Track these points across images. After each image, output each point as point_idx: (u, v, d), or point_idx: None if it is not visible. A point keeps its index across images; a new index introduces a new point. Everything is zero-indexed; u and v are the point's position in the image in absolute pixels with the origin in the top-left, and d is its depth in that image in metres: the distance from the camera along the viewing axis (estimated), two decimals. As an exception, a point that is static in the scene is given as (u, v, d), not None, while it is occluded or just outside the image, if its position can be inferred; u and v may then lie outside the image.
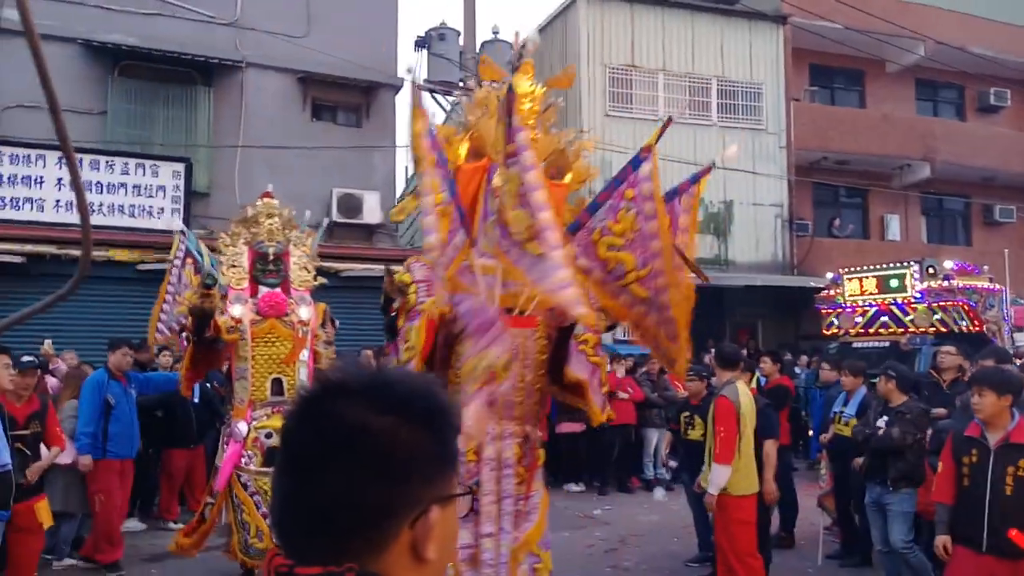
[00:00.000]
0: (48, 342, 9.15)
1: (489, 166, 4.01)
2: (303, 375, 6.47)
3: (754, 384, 8.91)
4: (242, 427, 6.20)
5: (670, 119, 4.30)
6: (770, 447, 6.50)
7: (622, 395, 11.25)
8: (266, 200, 6.88)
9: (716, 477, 5.94)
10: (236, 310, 6.37)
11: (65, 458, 6.84)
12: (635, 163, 3.98)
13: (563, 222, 3.94)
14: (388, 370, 1.16)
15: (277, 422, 6.15)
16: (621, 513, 9.98)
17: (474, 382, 3.67)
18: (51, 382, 8.45)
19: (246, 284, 6.56)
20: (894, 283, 11.09)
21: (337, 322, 7.38)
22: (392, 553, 1.04)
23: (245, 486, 6.14)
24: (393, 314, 4.59)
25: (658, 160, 4.05)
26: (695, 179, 4.33)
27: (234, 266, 6.62)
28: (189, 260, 6.95)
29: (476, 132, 4.39)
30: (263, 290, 6.54)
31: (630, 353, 12.60)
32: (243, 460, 6.16)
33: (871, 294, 11.38)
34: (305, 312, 6.63)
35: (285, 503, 1.08)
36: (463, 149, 4.40)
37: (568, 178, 4.50)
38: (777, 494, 6.50)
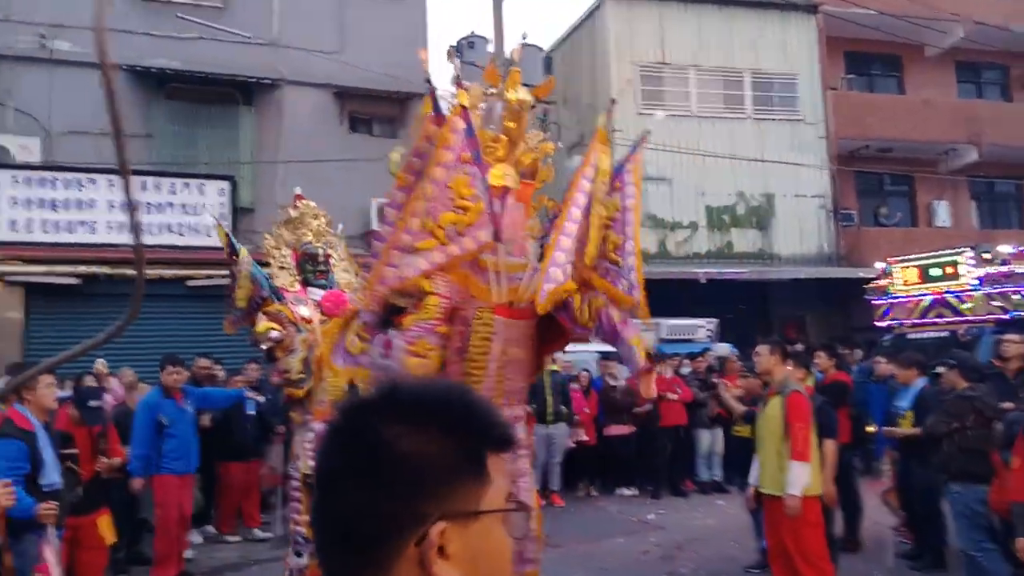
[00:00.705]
0: (101, 361, 9.25)
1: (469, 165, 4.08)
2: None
3: (810, 381, 8.81)
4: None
5: (644, 137, 4.60)
6: (829, 447, 6.19)
7: (671, 396, 11.19)
8: (305, 202, 6.78)
9: (798, 477, 5.64)
10: (303, 310, 6.20)
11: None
12: (618, 169, 4.22)
13: (527, 219, 4.29)
14: (421, 380, 1.15)
15: None
16: (676, 517, 9.87)
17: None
18: (107, 400, 8.52)
19: (298, 287, 6.42)
20: (947, 270, 10.85)
21: None
22: (400, 571, 1.00)
23: None
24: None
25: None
26: (634, 149, 4.43)
27: (283, 267, 6.50)
28: (234, 258, 6.77)
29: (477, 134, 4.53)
30: (314, 292, 6.35)
31: (676, 352, 12.53)
32: None
33: (923, 283, 11.14)
34: None
35: (313, 517, 1.08)
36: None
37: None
38: (835, 497, 6.25)
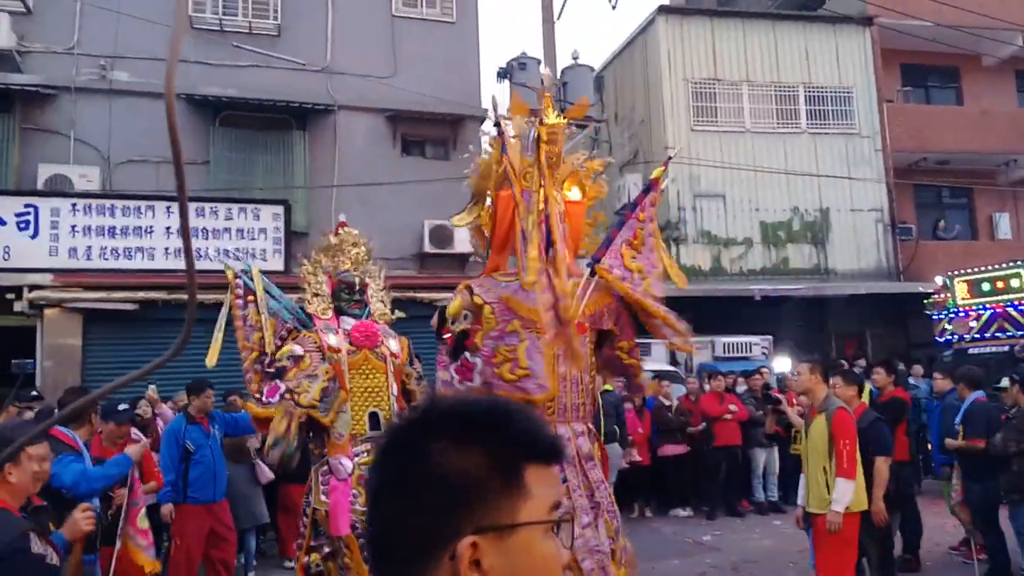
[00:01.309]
0: (152, 388, 9.30)
1: (522, 192, 4.30)
2: (395, 409, 6.08)
3: (866, 397, 8.66)
4: (347, 463, 5.76)
5: (669, 158, 5.16)
6: (881, 464, 6.15)
7: (726, 415, 11.06)
8: (348, 229, 6.62)
9: (843, 494, 5.67)
10: (332, 339, 6.00)
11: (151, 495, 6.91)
12: (645, 190, 4.85)
13: (581, 236, 4.82)
14: (467, 396, 1.16)
15: None
16: (732, 538, 9.73)
17: None
18: (160, 425, 8.56)
19: (331, 314, 6.24)
20: (1008, 283, 10.60)
21: (420, 358, 6.82)
22: None
23: (353, 527, 5.66)
24: (449, 335, 4.74)
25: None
26: (646, 190, 4.98)
27: (318, 295, 6.32)
28: (251, 298, 6.42)
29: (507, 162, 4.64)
30: (347, 321, 6.19)
31: (731, 371, 12.37)
32: (349, 499, 5.71)
33: (984, 296, 10.90)
34: (394, 344, 6.27)
35: (365, 532, 1.11)
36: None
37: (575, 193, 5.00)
38: (886, 515, 6.15)
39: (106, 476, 5.52)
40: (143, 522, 6.24)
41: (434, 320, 4.96)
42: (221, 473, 7.78)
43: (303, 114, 14.03)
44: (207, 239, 12.82)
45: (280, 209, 13.37)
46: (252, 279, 6.42)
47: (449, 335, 4.75)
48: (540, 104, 4.50)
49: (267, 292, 6.47)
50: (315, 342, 5.99)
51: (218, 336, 6.60)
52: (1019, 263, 10.83)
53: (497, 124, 4.64)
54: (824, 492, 5.77)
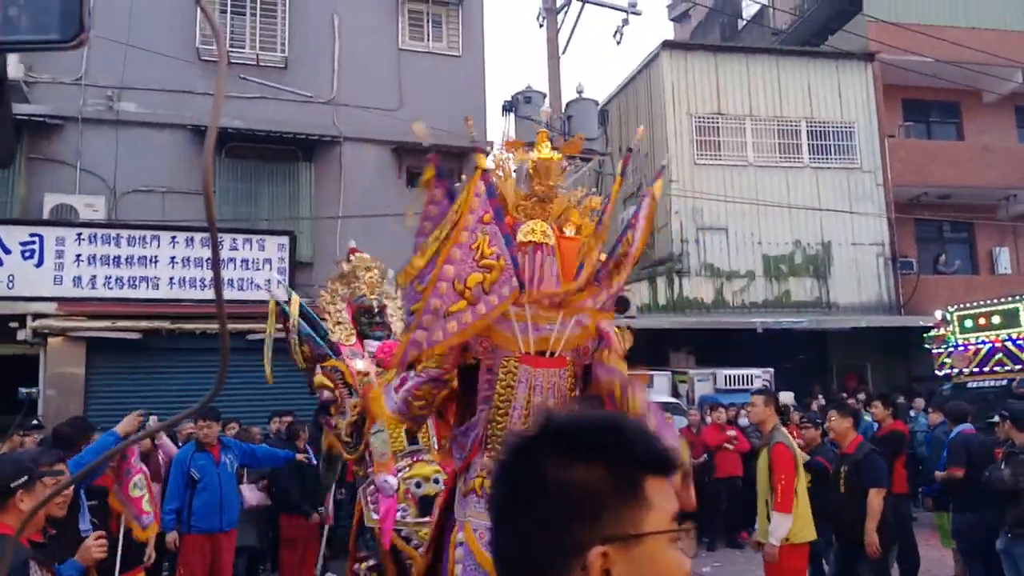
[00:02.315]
0: (154, 418, 9.29)
1: (512, 224, 4.30)
2: (429, 421, 6.03)
3: (862, 430, 8.69)
4: (392, 481, 5.86)
5: (628, 152, 5.00)
6: (874, 496, 6.22)
7: (727, 446, 11.06)
8: (359, 255, 6.79)
9: (777, 527, 5.81)
10: (359, 364, 6.20)
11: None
12: (638, 208, 4.58)
13: (572, 274, 4.44)
14: (576, 412, 1.17)
15: (422, 470, 6.05)
16: (732, 570, 9.72)
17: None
18: (160, 456, 8.52)
19: (355, 339, 6.42)
20: (1006, 318, 10.66)
21: None
22: None
23: (408, 539, 5.86)
24: None
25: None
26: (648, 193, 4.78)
27: (339, 323, 6.51)
28: (289, 325, 6.82)
29: (500, 194, 4.69)
30: (371, 344, 6.38)
31: (732, 403, 12.39)
32: (399, 514, 5.88)
33: (982, 331, 10.95)
34: None
35: (490, 550, 1.12)
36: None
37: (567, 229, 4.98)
38: (878, 547, 6.17)
39: (96, 451, 5.63)
40: (135, 491, 6.28)
41: None
42: (231, 503, 7.75)
43: (309, 146, 14.20)
44: (212, 269, 12.91)
45: (285, 240, 13.46)
46: (289, 305, 6.56)
47: None
48: (537, 139, 4.54)
49: (303, 317, 6.60)
50: (343, 372, 6.20)
51: (267, 360, 6.73)
52: (1017, 297, 10.89)
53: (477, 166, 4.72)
54: (766, 523, 5.95)
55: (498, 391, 4.01)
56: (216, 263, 1.41)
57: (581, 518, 1.05)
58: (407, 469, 6.05)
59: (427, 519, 5.80)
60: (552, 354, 4.14)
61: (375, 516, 5.98)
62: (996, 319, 10.79)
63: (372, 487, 6.06)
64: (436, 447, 6.25)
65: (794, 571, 5.93)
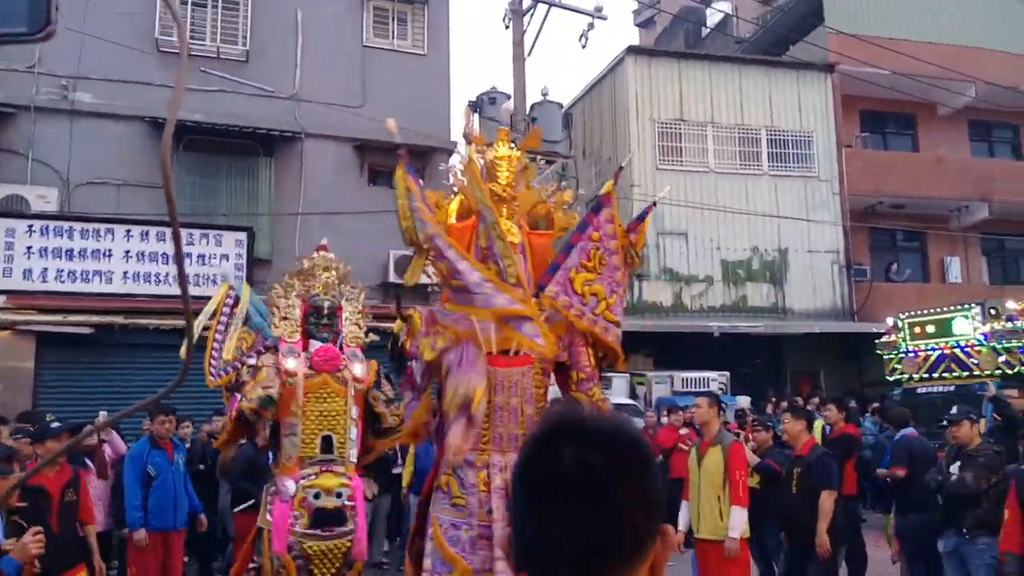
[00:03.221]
0: (103, 414, 9.12)
1: (476, 224, 4.38)
2: (353, 434, 6.19)
3: (819, 433, 8.83)
4: (290, 486, 5.85)
5: (620, 170, 5.17)
6: (826, 497, 6.35)
7: (682, 447, 11.15)
8: (322, 253, 6.68)
9: (738, 521, 6.06)
10: (290, 363, 6.07)
11: (96, 525, 6.72)
12: (596, 208, 4.66)
13: (545, 268, 4.61)
14: (614, 416, 1.27)
15: (326, 481, 5.93)
16: (683, 568, 9.77)
17: (455, 409, 4.13)
18: (107, 452, 8.36)
19: (298, 337, 6.28)
20: (954, 326, 10.92)
21: (393, 378, 6.78)
22: (636, 572, 1.16)
23: (290, 548, 5.76)
24: (395, 355, 4.87)
25: (652, 205, 5.12)
26: (641, 218, 5.00)
27: (286, 319, 6.36)
28: (235, 309, 6.59)
29: (465, 193, 4.72)
30: (314, 344, 6.25)
31: (688, 405, 12.49)
32: (289, 521, 5.82)
33: (931, 338, 11.21)
34: (359, 369, 6.30)
35: (555, 534, 1.13)
36: (453, 209, 4.89)
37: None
38: (829, 547, 6.30)
39: None
40: None
41: (389, 346, 5.03)
42: (182, 501, 7.66)
43: (269, 141, 14.05)
44: (167, 264, 12.74)
45: (243, 236, 13.32)
46: (241, 293, 6.58)
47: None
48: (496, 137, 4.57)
49: (255, 308, 6.59)
50: (275, 364, 6.08)
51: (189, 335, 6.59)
52: (965, 306, 11.16)
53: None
54: (718, 519, 6.11)
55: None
56: (180, 257, 1.39)
57: (656, 510, 1.19)
58: (312, 477, 5.94)
59: (317, 531, 5.80)
60: (516, 353, 4.18)
61: (268, 517, 5.91)
62: (931, 328, 11.10)
63: (273, 488, 6.00)
64: (352, 460, 6.17)
65: (743, 564, 6.18)
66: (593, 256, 4.59)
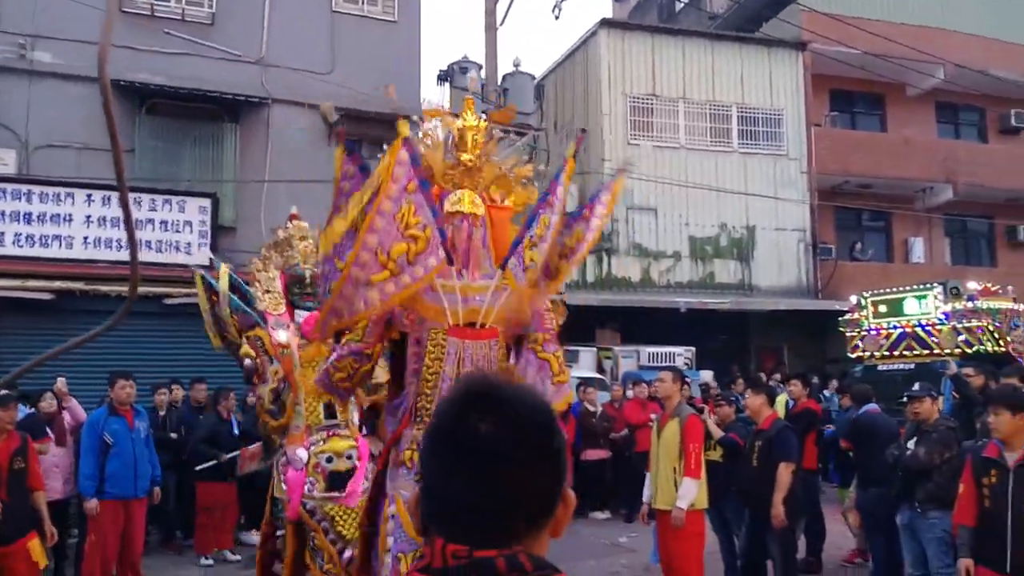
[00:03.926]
0: (62, 380, 9.01)
1: (440, 194, 4.28)
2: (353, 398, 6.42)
3: (782, 408, 8.93)
4: (302, 453, 6.02)
5: (582, 133, 5.04)
6: (783, 470, 6.49)
7: (649, 423, 11.21)
8: (296, 222, 6.72)
9: (688, 491, 6.17)
10: (281, 335, 6.19)
11: (53, 493, 6.67)
12: (557, 175, 4.47)
13: (506, 242, 4.43)
14: (524, 386, 1.33)
15: (336, 444, 6.09)
16: (647, 540, 9.86)
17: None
18: (66, 419, 8.27)
19: (283, 309, 6.38)
20: (917, 305, 11.07)
21: None
22: (541, 536, 1.22)
23: (312, 513, 5.96)
24: None
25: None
26: (609, 187, 4.78)
27: (269, 291, 6.42)
28: (215, 298, 6.53)
29: (426, 163, 4.66)
30: (301, 314, 6.39)
31: (654, 380, 12.58)
32: (306, 487, 6.01)
33: (893, 316, 11.35)
34: None
35: (468, 495, 1.18)
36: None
37: (509, 201, 4.93)
38: (784, 519, 6.43)
39: None
40: None
41: None
42: (143, 469, 7.58)
43: (235, 106, 13.80)
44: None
45: (207, 202, 13.11)
46: (218, 279, 6.49)
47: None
48: (463, 108, 4.49)
49: (234, 288, 6.54)
50: (265, 342, 6.21)
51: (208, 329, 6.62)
52: (927, 286, 11.32)
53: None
54: (673, 490, 6.24)
55: (426, 364, 3.97)
56: (128, 216, 1.33)
57: (564, 472, 1.25)
58: (321, 443, 6.09)
59: (335, 494, 5.95)
60: (482, 326, 4.14)
61: (284, 487, 6.04)
62: (883, 308, 11.27)
63: (284, 458, 6.13)
64: (355, 423, 6.28)
65: (697, 535, 6.26)
66: (542, 221, 4.47)
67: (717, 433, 7.75)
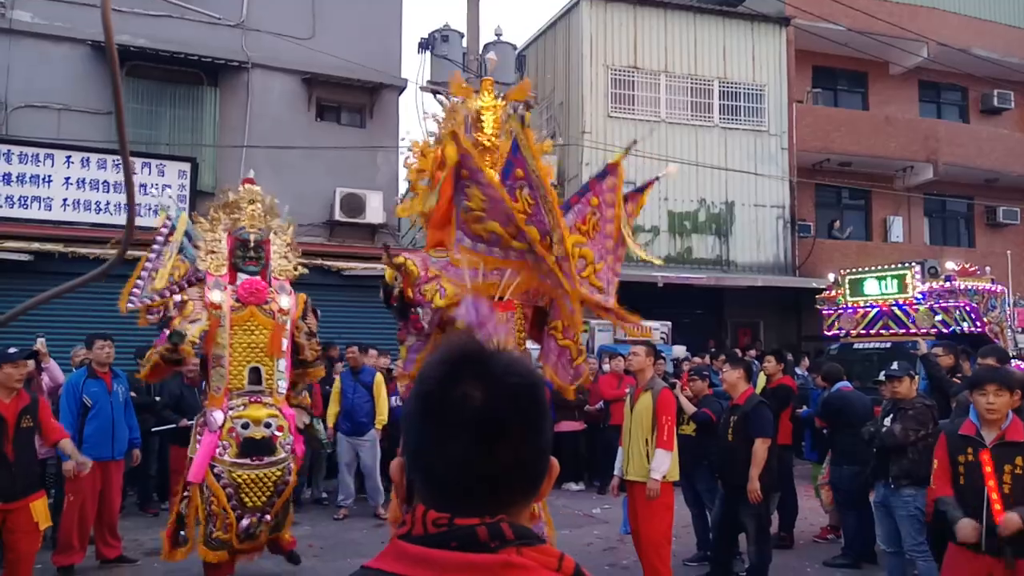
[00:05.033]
0: (41, 340, 8.96)
1: (451, 175, 4.62)
2: (282, 365, 6.37)
3: (760, 384, 9.03)
4: (218, 416, 6.04)
5: (633, 141, 5.49)
6: (759, 445, 6.55)
7: (623, 397, 11.31)
8: (248, 186, 6.74)
9: (660, 463, 6.21)
10: (215, 295, 6.23)
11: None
12: (601, 175, 4.83)
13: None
14: (514, 353, 1.26)
15: (255, 412, 6.10)
16: (620, 512, 9.98)
17: None
18: (44, 380, 8.24)
19: (225, 271, 6.41)
20: (894, 284, 11.17)
21: (319, 312, 7.13)
22: (526, 506, 1.20)
23: (218, 476, 5.97)
24: (395, 303, 4.89)
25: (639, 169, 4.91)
26: (641, 189, 5.32)
27: (213, 252, 6.47)
28: (171, 238, 6.47)
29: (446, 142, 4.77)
30: (242, 277, 6.41)
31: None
32: (217, 451, 6.00)
33: (870, 295, 11.46)
34: (285, 301, 6.49)
35: (456, 463, 1.14)
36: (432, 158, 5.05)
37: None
38: (759, 494, 6.51)
39: None
40: None
41: (381, 295, 5.12)
42: (121, 431, 7.63)
43: (215, 70, 13.65)
44: (108, 192, 12.43)
45: (187, 167, 13.02)
46: (178, 223, 6.50)
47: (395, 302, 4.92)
48: (479, 86, 4.66)
49: (188, 237, 6.54)
50: (201, 297, 6.25)
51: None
52: (905, 265, 11.41)
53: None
54: (645, 462, 6.29)
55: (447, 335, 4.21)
56: (128, 178, 1.33)
57: (550, 443, 1.23)
58: (240, 408, 6.12)
59: (246, 460, 6.00)
60: (501, 299, 4.31)
61: (199, 447, 6.09)
62: (884, 284, 11.33)
63: (202, 419, 6.22)
64: (281, 392, 6.36)
65: (667, 507, 6.32)
66: (588, 220, 4.69)
67: (690, 409, 7.85)
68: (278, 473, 6.14)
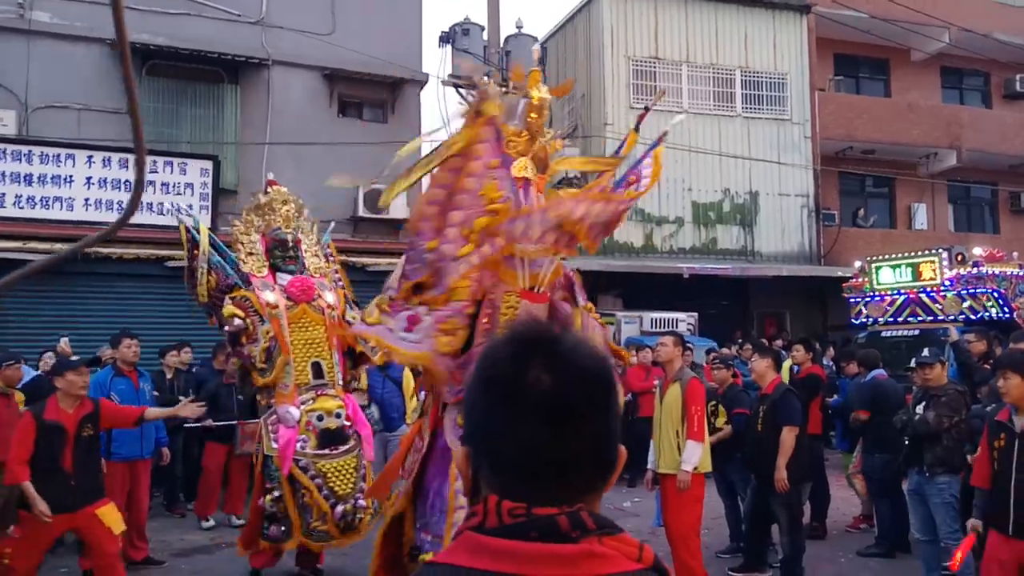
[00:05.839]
0: (65, 340, 8.98)
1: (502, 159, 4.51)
2: (336, 358, 6.51)
3: (786, 373, 8.94)
4: (294, 412, 6.21)
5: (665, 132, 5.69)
6: (787, 434, 6.52)
7: (652, 389, 11.24)
8: (278, 188, 6.87)
9: (691, 454, 6.15)
10: (269, 296, 6.36)
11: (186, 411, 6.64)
12: (652, 146, 5.35)
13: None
14: (583, 338, 1.24)
15: (325, 403, 6.28)
16: (651, 505, 9.88)
17: None
18: None
19: (266, 271, 6.55)
20: (921, 271, 11.05)
21: (358, 306, 7.12)
22: (600, 496, 1.18)
23: (305, 469, 6.12)
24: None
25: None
26: (654, 146, 5.58)
27: (252, 254, 6.61)
28: (196, 252, 6.54)
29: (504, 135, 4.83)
30: (283, 277, 6.55)
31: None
32: (298, 445, 6.16)
33: (898, 282, 11.34)
34: (331, 297, 6.69)
35: (528, 449, 1.10)
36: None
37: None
38: (787, 483, 6.47)
39: None
40: None
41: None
42: (149, 430, 7.60)
43: (235, 67, 13.66)
44: (129, 192, 12.45)
45: (209, 164, 13.02)
46: (199, 234, 6.58)
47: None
48: (527, 78, 4.73)
49: (212, 247, 6.63)
50: (253, 302, 6.35)
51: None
52: (932, 252, 11.28)
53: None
54: (676, 454, 6.23)
55: (501, 325, 4.14)
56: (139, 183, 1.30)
57: (618, 431, 1.19)
58: (311, 402, 6.29)
59: (326, 451, 6.16)
60: (539, 290, 4.39)
61: (275, 445, 6.18)
62: (911, 272, 11.20)
63: (274, 417, 6.32)
64: (340, 383, 6.54)
65: (695, 500, 6.25)
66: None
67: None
68: (355, 459, 6.30)
